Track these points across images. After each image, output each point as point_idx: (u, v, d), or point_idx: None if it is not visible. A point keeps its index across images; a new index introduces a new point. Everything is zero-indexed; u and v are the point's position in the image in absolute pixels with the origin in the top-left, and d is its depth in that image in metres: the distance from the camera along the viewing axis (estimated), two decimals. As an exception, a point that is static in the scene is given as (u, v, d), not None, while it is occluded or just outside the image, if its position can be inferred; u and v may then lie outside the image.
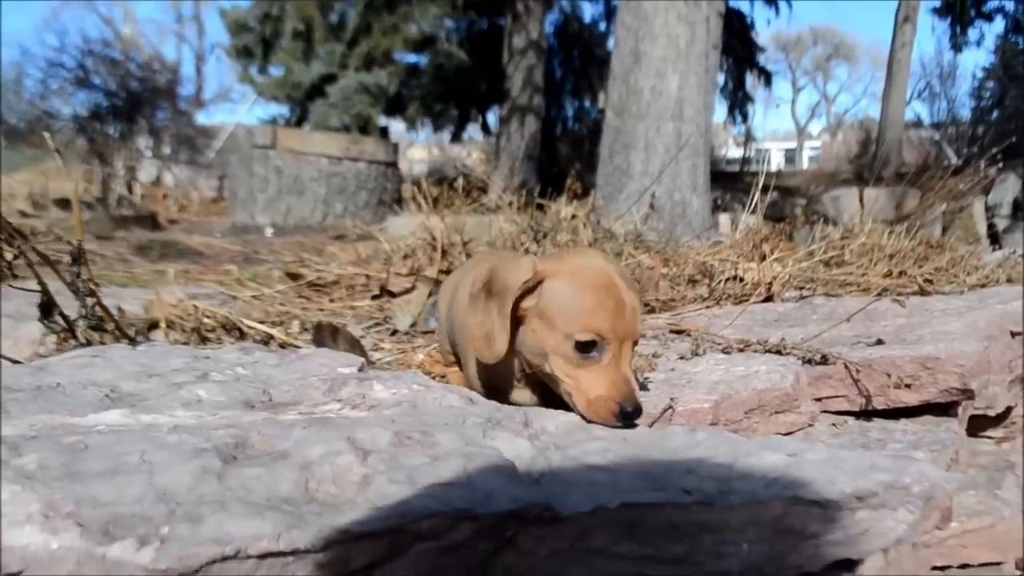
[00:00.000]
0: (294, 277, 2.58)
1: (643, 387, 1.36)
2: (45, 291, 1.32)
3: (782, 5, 14.60)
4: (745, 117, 16.05)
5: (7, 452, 0.80)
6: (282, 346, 1.29)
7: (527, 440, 1.00)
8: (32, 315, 1.69)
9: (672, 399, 1.28)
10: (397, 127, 18.04)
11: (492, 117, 15.37)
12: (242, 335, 1.53)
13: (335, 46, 13.27)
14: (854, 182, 12.00)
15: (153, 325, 1.81)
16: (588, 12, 16.28)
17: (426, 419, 1.03)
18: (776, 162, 40.52)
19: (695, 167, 7.20)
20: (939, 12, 16.16)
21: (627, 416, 1.11)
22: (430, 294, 1.93)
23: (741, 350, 1.60)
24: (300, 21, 12.55)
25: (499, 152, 12.88)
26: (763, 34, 15.78)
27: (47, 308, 1.30)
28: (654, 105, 7.13)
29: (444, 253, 2.33)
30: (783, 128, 46.73)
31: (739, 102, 15.43)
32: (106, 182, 7.90)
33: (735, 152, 30.62)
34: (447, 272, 2.26)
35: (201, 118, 14.15)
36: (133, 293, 2.54)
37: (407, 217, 3.81)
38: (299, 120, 14.17)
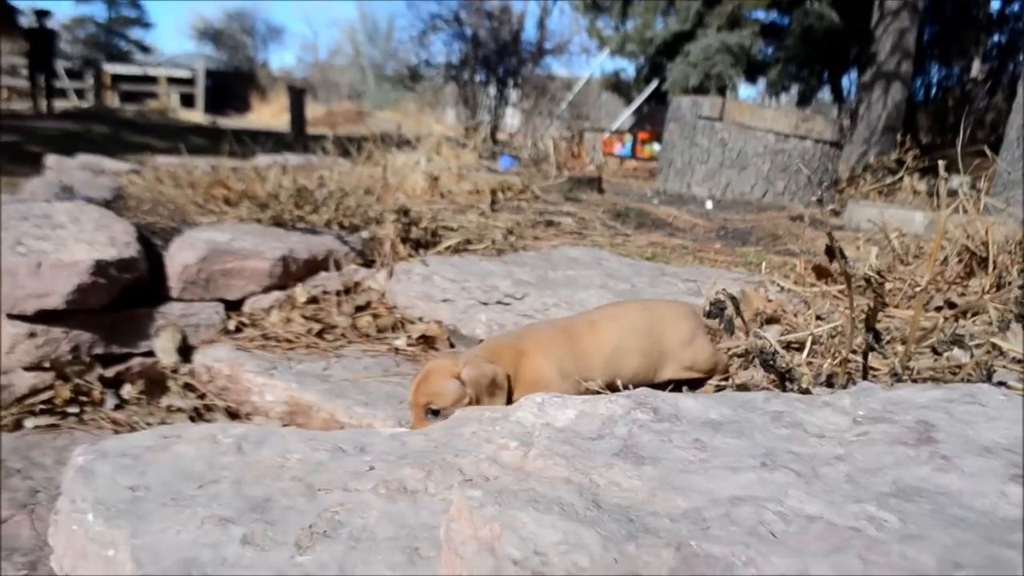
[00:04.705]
0: (822, 274, 2.33)
1: None
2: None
3: None
4: None
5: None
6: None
7: None
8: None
9: None
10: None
11: (844, 82, 14.55)
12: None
13: (691, 3, 13.36)
14: None
15: (771, 320, 1.87)
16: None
17: None
18: None
19: None
20: None
21: None
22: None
23: None
24: (664, -22, 12.79)
25: (855, 121, 12.21)
26: None
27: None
28: (1092, 86, 6.36)
29: (994, 266, 2.10)
30: None
31: None
32: (538, 138, 8.68)
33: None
34: (998, 287, 2.06)
35: (540, 70, 15.08)
36: (679, 273, 2.49)
37: (876, 207, 3.80)
38: (647, 77, 14.56)
